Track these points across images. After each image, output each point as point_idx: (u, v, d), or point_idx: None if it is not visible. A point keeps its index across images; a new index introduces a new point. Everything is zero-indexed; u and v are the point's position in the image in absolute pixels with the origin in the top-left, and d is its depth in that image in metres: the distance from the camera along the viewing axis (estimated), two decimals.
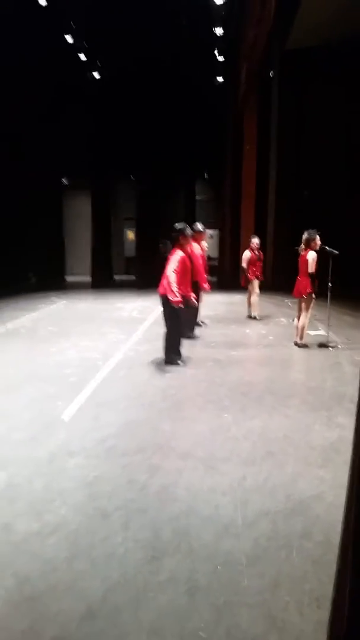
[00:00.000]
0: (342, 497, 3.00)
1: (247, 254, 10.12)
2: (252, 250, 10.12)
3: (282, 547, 2.70)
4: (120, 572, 2.58)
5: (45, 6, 14.24)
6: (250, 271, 10.04)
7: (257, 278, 10.13)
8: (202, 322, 9.36)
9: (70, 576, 2.56)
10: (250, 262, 10.07)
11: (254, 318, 10.13)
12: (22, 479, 3.54)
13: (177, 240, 6.59)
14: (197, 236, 8.34)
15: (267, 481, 3.43)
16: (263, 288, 14.66)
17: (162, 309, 6.58)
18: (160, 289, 6.45)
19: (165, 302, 6.39)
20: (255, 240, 10.23)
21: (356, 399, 4.76)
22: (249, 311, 10.31)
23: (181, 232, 6.59)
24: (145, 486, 3.41)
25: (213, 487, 3.36)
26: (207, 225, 11.45)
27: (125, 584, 2.50)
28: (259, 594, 2.38)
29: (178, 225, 6.72)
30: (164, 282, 6.39)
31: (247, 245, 10.32)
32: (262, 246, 16.46)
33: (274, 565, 2.57)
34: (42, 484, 3.46)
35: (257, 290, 10.19)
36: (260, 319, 10.08)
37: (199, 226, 8.71)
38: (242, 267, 10.13)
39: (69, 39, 15.92)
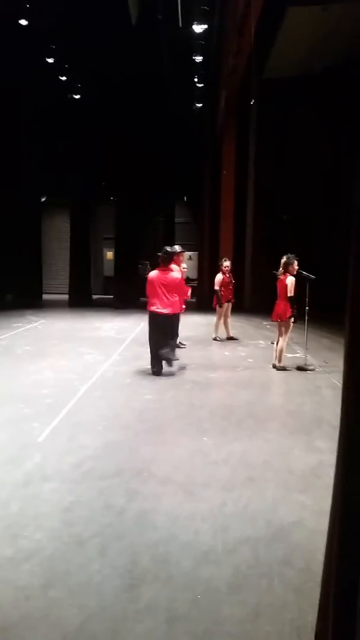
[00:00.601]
0: (323, 523, 2.99)
1: (219, 277, 10.20)
2: (223, 273, 10.22)
3: (263, 575, 2.67)
4: (97, 600, 2.51)
5: (26, 25, 14.28)
6: (223, 294, 10.13)
7: (229, 301, 10.23)
8: (181, 343, 9.35)
9: (45, 604, 2.48)
10: (223, 284, 10.16)
11: (215, 339, 10.31)
12: None
13: (170, 261, 7.34)
14: (175, 257, 8.43)
15: (247, 507, 3.39)
16: (239, 310, 14.75)
17: (159, 326, 7.21)
18: (161, 309, 7.11)
19: (167, 319, 7.20)
20: (227, 264, 10.34)
21: (335, 423, 4.78)
22: (226, 333, 10.35)
23: (173, 254, 7.52)
24: (123, 511, 3.35)
25: (193, 513, 3.32)
26: (186, 247, 11.53)
27: (102, 613, 2.43)
28: (240, 624, 2.34)
29: (169, 249, 7.48)
30: (165, 301, 7.10)
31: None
32: (241, 269, 16.66)
33: (255, 594, 2.53)
34: (16, 508, 3.37)
35: (228, 312, 10.35)
36: (220, 341, 10.18)
37: (177, 248, 8.81)
38: (216, 290, 10.22)
39: (51, 59, 16.00)
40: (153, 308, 7.19)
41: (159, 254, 7.42)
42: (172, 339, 7.51)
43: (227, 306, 10.25)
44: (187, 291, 8.57)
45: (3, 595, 2.54)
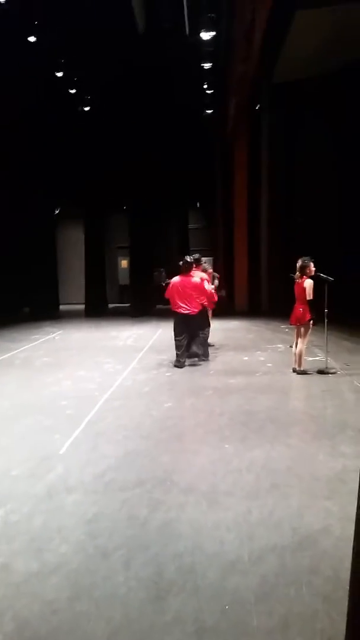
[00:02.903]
0: (350, 529, 2.94)
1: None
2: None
3: (291, 584, 2.63)
4: (123, 612, 2.50)
5: (35, 41, 14.44)
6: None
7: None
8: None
9: (72, 618, 2.48)
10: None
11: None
12: (20, 516, 3.46)
13: (190, 269, 8.33)
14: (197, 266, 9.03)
15: (273, 515, 3.35)
16: (256, 314, 14.75)
17: (188, 325, 8.33)
18: (185, 310, 8.18)
19: (193, 317, 8.27)
20: (210, 270, 10.35)
21: (359, 427, 4.69)
22: None
23: (192, 263, 8.47)
24: (146, 522, 3.33)
25: (217, 522, 3.29)
26: (201, 253, 11.55)
27: (129, 626, 2.41)
28: (269, 635, 2.30)
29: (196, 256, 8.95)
30: (187, 304, 8.16)
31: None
32: (257, 273, 16.60)
33: (284, 604, 2.49)
34: (41, 522, 3.38)
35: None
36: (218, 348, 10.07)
37: (196, 255, 9.46)
38: None
39: (60, 72, 16.15)
40: (178, 310, 8.27)
41: (180, 263, 8.43)
42: (203, 339, 8.78)
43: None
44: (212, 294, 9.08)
45: (31, 609, 2.54)
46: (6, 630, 2.40)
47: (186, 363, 8.37)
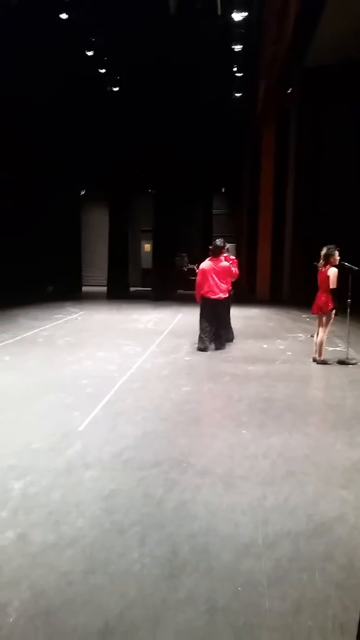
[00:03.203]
0: None
1: None
2: None
3: (304, 570, 2.64)
4: (137, 588, 2.54)
5: (65, 19, 14.33)
6: None
7: None
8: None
9: (86, 591, 2.52)
10: None
11: None
12: (39, 488, 3.53)
13: (220, 253, 8.48)
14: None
15: (288, 501, 3.36)
16: (277, 303, 14.64)
17: (216, 310, 8.43)
18: (213, 294, 8.30)
19: (222, 302, 8.44)
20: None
21: None
22: None
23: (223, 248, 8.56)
24: (162, 501, 3.37)
25: (232, 505, 3.31)
26: (224, 239, 11.50)
27: (142, 601, 2.45)
28: (280, 618, 2.32)
29: (219, 242, 8.63)
30: (218, 289, 8.30)
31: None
32: (280, 261, 16.45)
33: (296, 588, 2.50)
34: (59, 495, 3.44)
35: None
36: None
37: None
38: None
39: (89, 52, 16.04)
40: (209, 295, 8.34)
41: (210, 247, 8.62)
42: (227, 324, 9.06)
43: None
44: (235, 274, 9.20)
45: (47, 580, 2.59)
46: (23, 597, 2.46)
47: (209, 348, 8.38)
